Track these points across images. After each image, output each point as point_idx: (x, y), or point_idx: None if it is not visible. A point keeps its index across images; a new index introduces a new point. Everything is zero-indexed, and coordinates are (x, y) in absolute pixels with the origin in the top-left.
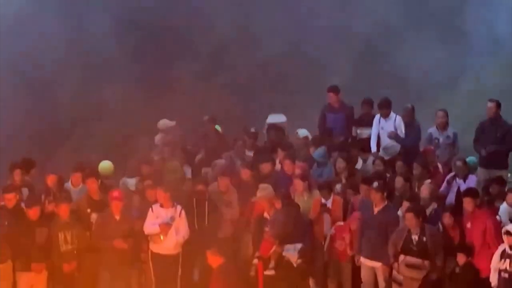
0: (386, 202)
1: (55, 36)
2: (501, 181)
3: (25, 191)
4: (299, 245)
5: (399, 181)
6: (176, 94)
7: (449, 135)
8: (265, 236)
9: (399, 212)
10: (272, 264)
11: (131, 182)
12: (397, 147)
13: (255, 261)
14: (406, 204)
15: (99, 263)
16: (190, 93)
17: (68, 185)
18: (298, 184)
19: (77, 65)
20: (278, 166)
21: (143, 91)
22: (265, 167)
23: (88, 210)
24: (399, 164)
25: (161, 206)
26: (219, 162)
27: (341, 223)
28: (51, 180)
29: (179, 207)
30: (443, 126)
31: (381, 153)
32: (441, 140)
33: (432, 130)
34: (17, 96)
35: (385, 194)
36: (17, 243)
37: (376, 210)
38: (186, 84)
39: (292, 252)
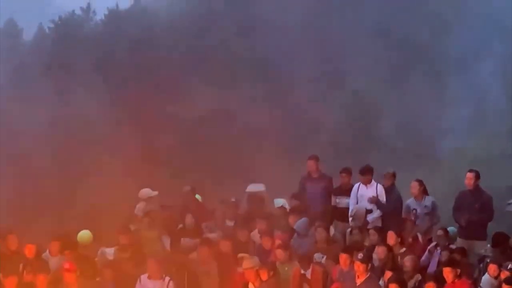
0: (369, 273)
1: (37, 107)
2: (463, 252)
3: None
4: None
5: (382, 251)
6: (157, 163)
7: (426, 205)
8: None
9: (381, 282)
10: None
11: (110, 252)
12: (362, 211)
13: None
14: (388, 273)
15: None
16: (171, 163)
17: (47, 254)
18: (280, 254)
19: (58, 135)
20: (257, 237)
21: (124, 160)
22: (242, 235)
23: None
24: (371, 232)
25: (149, 277)
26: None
27: None
28: (29, 249)
29: (167, 279)
30: (420, 196)
31: (350, 221)
32: (418, 210)
33: (410, 201)
34: None
35: (369, 265)
36: None
37: (358, 281)
38: (166, 154)
39: None
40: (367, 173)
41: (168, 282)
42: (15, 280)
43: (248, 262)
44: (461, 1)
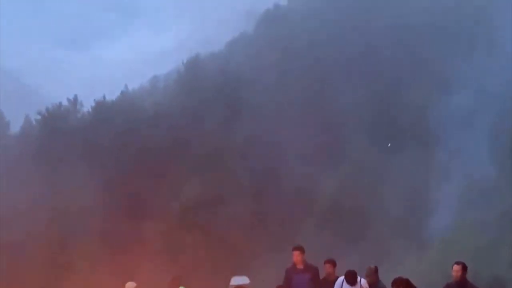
0: None
1: (24, 196)
2: None
3: None
4: None
5: None
6: (142, 254)
7: None
8: None
9: None
10: None
11: None
12: None
13: None
14: None
15: None
16: (157, 252)
17: None
18: None
19: (45, 223)
20: None
21: (111, 249)
22: None
23: None
24: None
25: None
26: None
27: None
28: None
29: None
30: None
31: None
32: None
33: None
34: None
35: None
36: None
37: None
38: (152, 243)
39: None
40: (352, 279)
41: None
42: None
43: None
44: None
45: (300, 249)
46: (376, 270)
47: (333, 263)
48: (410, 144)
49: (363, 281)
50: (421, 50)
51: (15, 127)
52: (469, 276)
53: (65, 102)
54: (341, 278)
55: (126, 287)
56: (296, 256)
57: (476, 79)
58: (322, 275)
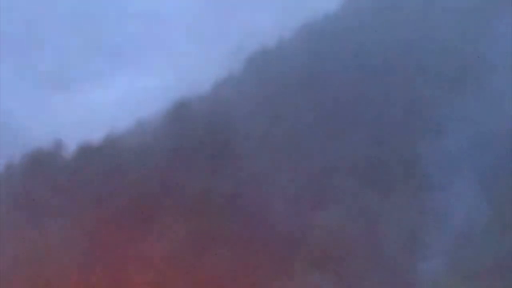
0: None
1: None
2: None
3: None
4: None
5: None
6: None
7: None
8: None
9: None
10: None
11: None
12: None
13: None
14: None
15: None
16: None
17: None
18: None
19: (27, 268)
20: None
21: None
22: None
23: None
24: None
25: None
26: None
27: None
28: None
29: None
30: None
31: None
32: None
33: None
34: None
35: None
36: None
37: None
38: None
39: None
40: None
41: None
42: None
43: None
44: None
45: None
46: None
47: None
48: (403, 187)
49: None
50: (413, 93)
51: None
52: None
53: (48, 145)
54: None
55: None
56: None
57: (470, 120)
58: None
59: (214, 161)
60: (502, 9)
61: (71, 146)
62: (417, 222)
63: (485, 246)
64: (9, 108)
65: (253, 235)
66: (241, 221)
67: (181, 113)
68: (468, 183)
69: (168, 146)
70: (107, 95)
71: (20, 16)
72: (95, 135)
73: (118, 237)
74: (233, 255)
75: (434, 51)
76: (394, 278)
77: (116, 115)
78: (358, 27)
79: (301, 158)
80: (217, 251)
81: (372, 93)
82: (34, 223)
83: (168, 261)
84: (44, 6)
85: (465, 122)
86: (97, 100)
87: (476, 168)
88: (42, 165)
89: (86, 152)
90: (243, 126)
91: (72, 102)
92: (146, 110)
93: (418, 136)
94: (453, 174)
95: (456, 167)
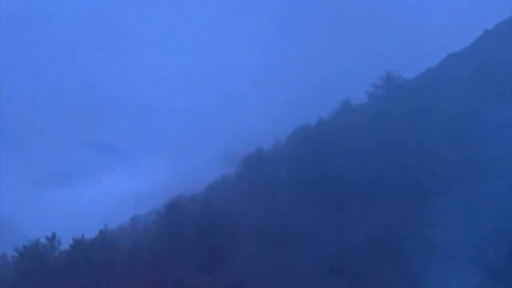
0: None
1: None
2: None
3: None
4: None
5: None
6: None
7: None
8: None
9: None
10: None
11: None
12: None
13: None
14: None
15: None
16: None
17: None
18: None
19: None
20: None
21: None
22: None
23: None
24: None
25: None
26: None
27: None
28: None
29: None
30: None
31: None
32: None
33: None
34: None
35: None
36: None
37: None
38: None
39: None
40: None
41: None
42: None
43: None
44: None
45: None
46: None
47: None
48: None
49: None
50: (406, 188)
51: None
52: None
53: (42, 239)
54: None
55: None
56: None
57: (462, 212)
58: None
59: (205, 261)
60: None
61: (65, 240)
62: None
63: None
64: (5, 201)
65: None
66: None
67: (174, 213)
68: (462, 274)
69: (160, 244)
70: (102, 192)
71: (19, 109)
72: (89, 230)
73: None
74: None
75: (420, 154)
76: None
77: (111, 211)
78: (350, 131)
79: (293, 256)
80: None
81: (365, 189)
82: None
83: None
84: (43, 98)
85: (458, 214)
86: (92, 196)
87: (469, 257)
88: (36, 257)
89: (80, 246)
90: (234, 227)
91: (67, 197)
92: (140, 208)
93: (410, 228)
94: (447, 264)
95: (449, 256)
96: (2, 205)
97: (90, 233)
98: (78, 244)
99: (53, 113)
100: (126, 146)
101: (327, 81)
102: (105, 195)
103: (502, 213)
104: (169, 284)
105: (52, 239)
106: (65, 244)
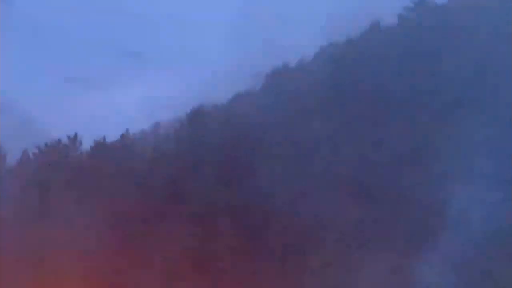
0: None
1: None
2: None
3: None
4: None
5: None
6: None
7: None
8: None
9: None
10: None
11: None
12: None
13: None
14: None
15: None
16: None
17: None
18: None
19: (34, 263)
20: None
21: None
22: None
23: None
24: None
25: None
26: None
27: None
28: None
29: None
30: None
31: None
32: None
33: None
34: None
35: None
36: None
37: None
38: None
39: None
40: None
41: None
42: None
43: None
44: None
45: None
46: None
47: None
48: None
49: None
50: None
51: (12, 161)
52: None
53: (64, 139)
54: None
55: None
56: None
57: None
58: None
59: (225, 171)
60: None
61: (87, 141)
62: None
63: None
64: (30, 102)
65: (260, 246)
66: (248, 231)
67: (196, 122)
68: None
69: (181, 152)
70: (127, 96)
71: (49, 13)
72: (111, 133)
73: (122, 236)
74: (235, 265)
75: (449, 77)
76: None
77: (134, 116)
78: (378, 51)
79: (317, 172)
80: (220, 261)
81: (389, 108)
82: (46, 213)
83: (170, 264)
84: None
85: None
86: (116, 100)
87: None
88: (58, 158)
89: (101, 149)
90: (256, 138)
91: (91, 100)
92: (163, 115)
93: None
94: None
95: None
96: (27, 105)
97: (112, 137)
98: (99, 146)
99: (83, 17)
100: (153, 53)
101: (357, 2)
102: (129, 100)
103: None
104: (187, 192)
105: (74, 139)
106: (86, 145)
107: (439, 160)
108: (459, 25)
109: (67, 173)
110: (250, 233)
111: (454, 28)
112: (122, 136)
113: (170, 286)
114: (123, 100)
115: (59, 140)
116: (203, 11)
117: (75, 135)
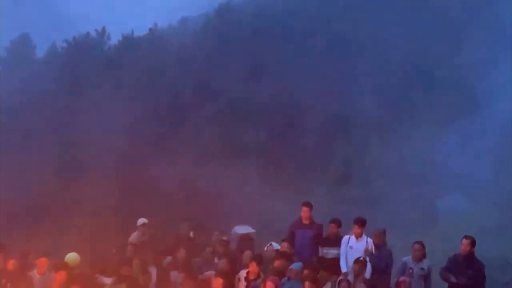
0: None
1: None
2: None
3: None
4: None
5: None
6: (153, 194)
7: (423, 267)
8: None
9: None
10: None
11: (107, 281)
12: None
13: None
14: None
15: None
16: (168, 194)
17: (34, 272)
18: None
19: (60, 157)
20: (243, 277)
21: (120, 188)
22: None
23: None
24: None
25: None
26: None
27: None
28: (11, 264)
29: None
30: (419, 258)
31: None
32: (415, 270)
33: (407, 259)
34: None
35: None
36: None
37: None
38: (164, 185)
39: None
40: (363, 225)
41: None
42: None
43: None
44: None
45: (309, 205)
46: (384, 232)
47: (338, 223)
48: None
49: (369, 240)
50: None
51: (41, 52)
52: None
53: (93, 33)
54: (347, 236)
55: (138, 223)
56: (305, 212)
57: None
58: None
59: (253, 67)
60: None
61: (115, 36)
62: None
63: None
64: None
65: (282, 146)
66: (274, 130)
67: (224, 16)
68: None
69: (208, 47)
70: None
71: None
72: (139, 28)
73: (148, 132)
74: (258, 163)
75: None
76: (415, 207)
77: (161, 11)
78: None
79: (337, 71)
80: (244, 159)
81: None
82: (73, 105)
83: (194, 163)
84: None
85: None
86: None
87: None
88: (85, 51)
89: (129, 42)
90: (284, 36)
91: None
92: (191, 10)
93: None
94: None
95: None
96: None
97: (140, 31)
98: (127, 40)
99: None
100: None
101: None
102: None
103: None
104: (214, 88)
105: (102, 33)
106: (114, 39)
107: None
108: None
109: (95, 67)
110: (279, 129)
111: None
112: (150, 30)
113: (200, 170)
114: None
115: (88, 33)
116: None
117: (103, 29)
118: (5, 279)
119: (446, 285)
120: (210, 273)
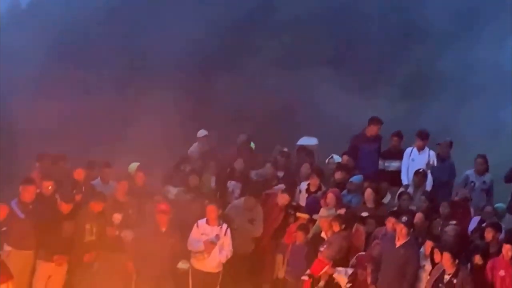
0: (409, 237)
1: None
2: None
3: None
4: (350, 270)
5: (419, 217)
6: (214, 106)
7: (485, 181)
8: (319, 255)
9: (422, 250)
10: (321, 284)
11: (173, 192)
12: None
13: (305, 277)
14: (429, 243)
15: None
16: (228, 106)
17: (97, 181)
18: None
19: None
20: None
21: (183, 100)
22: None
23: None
24: (422, 198)
25: (207, 222)
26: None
27: (363, 253)
28: (78, 174)
29: (225, 226)
30: (482, 172)
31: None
32: (477, 184)
33: (470, 172)
34: (56, 88)
35: (411, 230)
36: (44, 233)
37: (398, 243)
38: (224, 97)
39: (343, 275)
40: (426, 138)
41: (226, 229)
42: (71, 206)
43: (325, 212)
44: None
45: (379, 122)
46: (450, 144)
47: (400, 136)
48: None
49: (431, 153)
50: None
51: None
52: None
53: None
54: (409, 148)
55: (198, 134)
56: (373, 129)
57: None
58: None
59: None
60: None
61: None
62: None
63: None
64: None
65: (349, 57)
66: (342, 40)
67: None
68: None
69: None
70: None
71: None
72: None
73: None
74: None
75: None
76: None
77: None
78: None
79: None
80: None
81: None
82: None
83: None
84: None
85: None
86: None
87: None
88: None
89: None
90: None
91: None
92: None
93: None
94: None
95: None
96: None
97: None
98: None
99: None
100: None
101: None
102: None
103: None
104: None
105: None
106: None
107: None
108: None
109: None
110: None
111: None
112: None
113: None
114: None
115: None
116: None
117: None
118: (73, 188)
119: (507, 198)
120: (278, 187)
